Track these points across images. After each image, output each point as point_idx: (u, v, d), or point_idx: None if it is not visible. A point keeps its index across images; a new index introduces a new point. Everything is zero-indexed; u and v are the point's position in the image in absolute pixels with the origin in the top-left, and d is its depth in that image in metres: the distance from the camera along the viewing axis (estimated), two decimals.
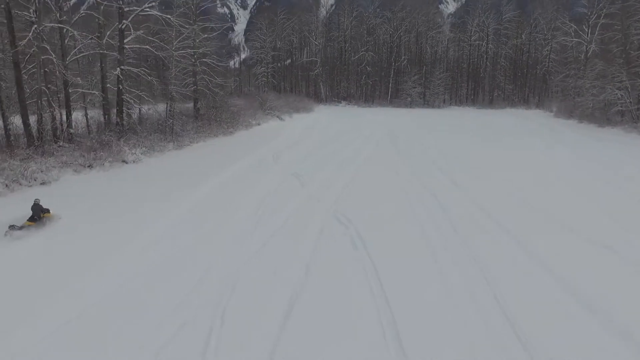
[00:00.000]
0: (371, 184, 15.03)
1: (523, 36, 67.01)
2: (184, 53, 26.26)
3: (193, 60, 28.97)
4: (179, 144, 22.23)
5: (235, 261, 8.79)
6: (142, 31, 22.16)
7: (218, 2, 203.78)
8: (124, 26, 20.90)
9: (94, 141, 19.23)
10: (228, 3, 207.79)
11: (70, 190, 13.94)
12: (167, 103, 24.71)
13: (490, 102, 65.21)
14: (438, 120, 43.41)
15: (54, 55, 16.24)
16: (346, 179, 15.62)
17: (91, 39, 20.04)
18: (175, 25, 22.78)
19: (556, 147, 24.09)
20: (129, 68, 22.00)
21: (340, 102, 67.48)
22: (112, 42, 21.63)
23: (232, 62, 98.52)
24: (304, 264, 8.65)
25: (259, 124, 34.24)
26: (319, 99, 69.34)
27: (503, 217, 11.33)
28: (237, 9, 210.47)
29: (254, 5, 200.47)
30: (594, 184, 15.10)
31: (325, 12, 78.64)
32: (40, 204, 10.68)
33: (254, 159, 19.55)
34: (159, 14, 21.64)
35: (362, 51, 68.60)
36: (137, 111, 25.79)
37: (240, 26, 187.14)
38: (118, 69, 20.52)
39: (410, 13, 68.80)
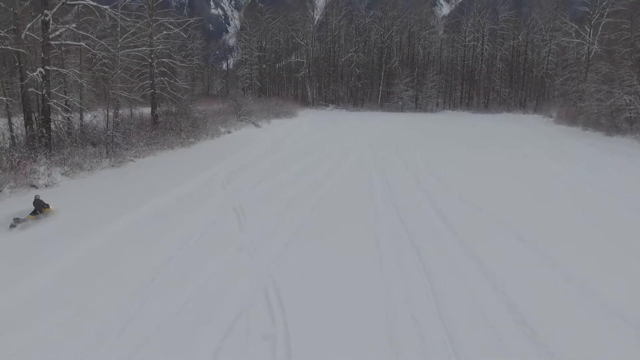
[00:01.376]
0: (335, 227, 11.38)
1: (520, 37, 63.71)
2: (134, 52, 22.60)
3: (150, 60, 25.39)
4: (118, 160, 18.56)
5: None
6: (73, 24, 18.50)
7: (212, 3, 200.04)
8: (47, 18, 17.24)
9: (3, 158, 15.61)
10: (222, 4, 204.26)
11: None
12: (106, 109, 21.07)
13: (486, 106, 61.90)
14: (430, 126, 39.93)
15: None
16: (306, 210, 12.08)
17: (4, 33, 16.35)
18: (115, 18, 19.13)
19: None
20: (56, 69, 18.36)
21: (328, 106, 63.95)
22: (37, 38, 18.04)
23: (224, 64, 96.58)
24: None
25: (229, 132, 30.65)
26: (305, 102, 65.90)
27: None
28: (231, 10, 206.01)
29: (247, 6, 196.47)
30: None
31: (316, 15, 74.88)
32: (41, 199, 11.12)
33: (201, 181, 15.90)
34: (92, 3, 17.95)
35: (351, 52, 65.14)
36: (79, 120, 22.21)
37: (235, 28, 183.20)
38: (38, 69, 16.85)
39: (402, 12, 65.40)
